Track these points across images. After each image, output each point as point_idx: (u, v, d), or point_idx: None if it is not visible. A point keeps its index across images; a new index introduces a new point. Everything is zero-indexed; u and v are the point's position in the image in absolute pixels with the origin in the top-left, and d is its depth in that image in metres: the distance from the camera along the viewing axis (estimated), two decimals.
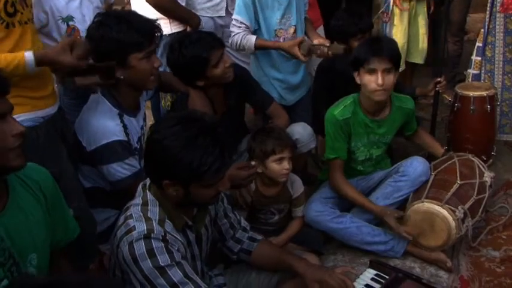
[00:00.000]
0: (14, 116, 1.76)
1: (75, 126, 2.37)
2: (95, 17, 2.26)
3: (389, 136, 2.93)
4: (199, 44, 2.59)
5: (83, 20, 2.66)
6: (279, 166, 2.58)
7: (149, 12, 2.94)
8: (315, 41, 3.13)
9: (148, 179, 1.91)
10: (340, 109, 2.79)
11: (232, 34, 3.06)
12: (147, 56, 2.25)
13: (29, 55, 1.97)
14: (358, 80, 2.72)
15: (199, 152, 1.70)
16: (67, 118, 2.43)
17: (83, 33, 2.58)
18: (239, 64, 3.07)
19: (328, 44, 3.08)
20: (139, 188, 1.91)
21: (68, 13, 2.64)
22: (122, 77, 2.24)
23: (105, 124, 2.26)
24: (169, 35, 3.10)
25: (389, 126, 2.88)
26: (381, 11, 3.83)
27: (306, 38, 3.10)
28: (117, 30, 2.18)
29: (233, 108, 2.84)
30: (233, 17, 3.09)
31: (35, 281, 1.15)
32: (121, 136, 2.28)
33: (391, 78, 2.64)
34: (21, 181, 1.65)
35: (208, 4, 3.30)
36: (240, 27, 3.04)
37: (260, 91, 2.98)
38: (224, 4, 3.33)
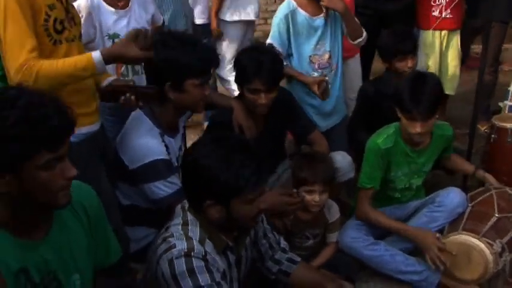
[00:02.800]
0: None
1: (117, 144, 2.39)
2: (154, 35, 2.27)
3: (430, 165, 2.91)
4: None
5: None
6: (309, 197, 2.59)
7: None
8: None
9: (187, 200, 1.91)
10: (383, 138, 2.76)
11: None
12: (203, 83, 2.27)
13: (96, 54, 2.01)
14: (398, 115, 2.70)
15: (235, 166, 1.72)
16: (107, 136, 2.46)
17: None
18: (285, 88, 3.07)
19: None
20: (179, 208, 1.92)
21: (114, 30, 2.69)
22: (173, 98, 2.26)
23: (148, 143, 2.27)
24: None
25: (429, 155, 2.86)
26: None
27: (326, 78, 3.09)
28: (181, 52, 2.20)
29: (272, 129, 2.83)
30: (267, 41, 3.12)
31: None
32: (163, 155, 2.29)
33: (430, 124, 2.64)
34: None
35: None
36: None
37: (304, 117, 2.98)
38: None
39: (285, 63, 2.99)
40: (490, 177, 3.02)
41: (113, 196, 2.35)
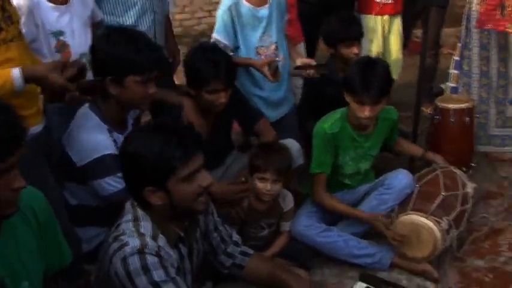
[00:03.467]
0: None
1: (64, 141, 2.34)
2: (101, 30, 2.22)
3: (376, 149, 2.97)
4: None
5: (73, 36, 2.61)
6: (261, 184, 2.60)
7: None
8: (298, 62, 3.15)
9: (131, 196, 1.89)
10: (329, 123, 2.80)
11: None
12: (145, 81, 2.23)
13: (15, 72, 1.93)
14: (347, 99, 2.74)
15: (158, 144, 1.71)
16: (52, 137, 2.39)
17: (72, 49, 2.57)
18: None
19: (313, 64, 3.10)
20: (128, 205, 1.88)
21: (58, 27, 2.59)
22: (114, 93, 2.22)
23: (96, 138, 2.24)
24: None
25: (375, 139, 2.92)
26: None
27: (279, 58, 3.09)
28: (123, 48, 2.16)
29: (221, 124, 2.84)
30: (212, 35, 3.08)
31: None
32: (112, 150, 2.26)
33: (379, 108, 2.69)
34: None
35: None
36: (218, 45, 3.02)
37: (250, 107, 2.98)
38: None
39: (232, 54, 2.99)
40: (438, 158, 3.11)
41: (61, 197, 2.29)
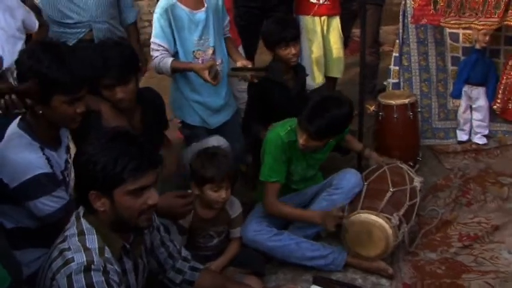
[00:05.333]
0: None
1: None
2: (31, 43, 2.09)
3: (325, 158, 2.98)
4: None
5: None
6: (216, 194, 2.53)
7: None
8: (238, 63, 3.09)
9: (81, 208, 1.82)
10: (286, 131, 2.74)
11: (153, 58, 2.98)
12: (72, 101, 2.11)
13: None
14: None
15: (114, 152, 1.69)
16: None
17: None
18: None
19: (249, 66, 3.06)
20: (73, 218, 1.82)
21: None
22: (40, 112, 2.10)
23: (27, 157, 2.11)
24: None
25: (325, 151, 2.91)
26: None
27: (217, 62, 3.02)
28: (46, 66, 2.03)
29: (151, 127, 2.73)
30: (151, 40, 3.00)
31: None
32: (46, 168, 2.14)
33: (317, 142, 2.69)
34: None
35: None
36: (158, 50, 2.96)
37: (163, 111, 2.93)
38: None
39: (171, 59, 2.94)
40: (373, 155, 3.14)
41: None
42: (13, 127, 2.20)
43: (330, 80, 4.20)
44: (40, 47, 2.10)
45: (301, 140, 2.62)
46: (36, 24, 2.76)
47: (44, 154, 2.18)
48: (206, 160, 2.51)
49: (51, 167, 2.19)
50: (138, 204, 1.74)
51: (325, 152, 2.93)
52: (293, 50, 3.19)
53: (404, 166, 3.00)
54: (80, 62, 2.14)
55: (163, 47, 2.95)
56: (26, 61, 2.05)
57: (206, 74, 2.83)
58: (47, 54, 2.06)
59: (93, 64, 2.43)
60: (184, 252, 2.19)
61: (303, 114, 2.58)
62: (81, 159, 1.72)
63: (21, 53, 2.12)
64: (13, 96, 2.04)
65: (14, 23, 2.61)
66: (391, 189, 2.77)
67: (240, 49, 3.67)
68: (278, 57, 3.23)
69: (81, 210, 1.82)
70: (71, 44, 3.05)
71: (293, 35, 3.22)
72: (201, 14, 3.03)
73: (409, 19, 3.69)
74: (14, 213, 2.22)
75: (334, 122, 2.59)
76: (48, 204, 2.15)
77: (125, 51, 2.53)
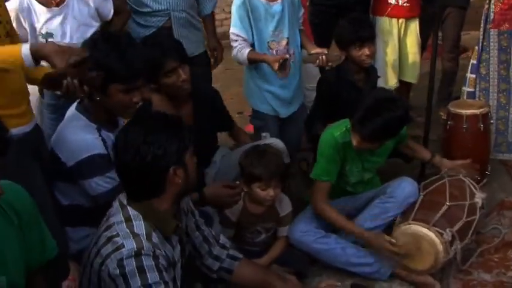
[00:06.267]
0: None
1: (52, 143, 2.33)
2: (94, 33, 2.25)
3: (382, 161, 2.90)
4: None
5: (64, 37, 2.64)
6: (264, 192, 2.54)
7: None
8: (312, 51, 3.15)
9: (122, 195, 1.90)
10: (341, 131, 2.69)
11: (233, 48, 3.10)
12: (128, 90, 2.20)
13: (25, 47, 1.95)
14: None
15: (172, 129, 1.85)
16: (43, 136, 2.40)
17: None
18: (212, 87, 3.12)
19: (326, 52, 3.09)
20: (116, 205, 1.89)
21: (48, 29, 2.63)
22: (98, 99, 2.21)
23: (84, 138, 2.22)
24: None
25: (382, 154, 2.83)
26: None
27: (290, 52, 3.08)
28: (105, 56, 2.13)
29: (201, 125, 2.77)
30: (230, 30, 3.13)
31: None
32: (101, 149, 2.24)
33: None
34: None
35: None
36: (236, 40, 3.09)
37: (224, 108, 3.02)
38: None
39: (248, 49, 3.05)
40: (446, 163, 3.00)
41: (47, 197, 2.27)
42: (72, 109, 2.32)
43: (404, 85, 4.09)
44: (101, 37, 2.21)
45: (354, 142, 2.57)
46: (111, 12, 2.85)
47: (100, 135, 2.28)
48: (255, 158, 2.53)
49: (107, 148, 2.28)
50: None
51: (382, 156, 2.85)
52: (367, 51, 3.10)
53: (467, 180, 2.85)
54: (139, 53, 2.22)
55: (241, 37, 3.08)
56: (88, 50, 2.14)
57: (276, 65, 2.91)
58: (106, 44, 2.16)
59: (152, 54, 2.52)
60: (223, 240, 2.22)
61: (356, 116, 2.53)
62: (148, 148, 1.77)
63: (84, 42, 2.23)
64: (75, 81, 2.15)
65: (87, 11, 2.73)
66: (447, 203, 2.66)
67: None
68: (351, 58, 3.16)
69: (123, 198, 1.89)
70: (150, 33, 3.19)
71: (368, 35, 3.14)
72: (277, 6, 3.13)
73: (490, 24, 3.50)
74: (70, 191, 2.35)
75: (387, 125, 2.51)
76: (101, 184, 2.25)
77: (171, 36, 2.72)
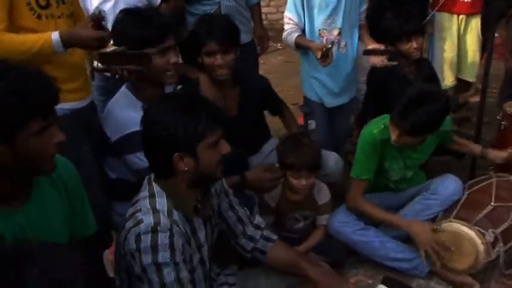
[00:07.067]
0: None
1: (102, 118, 2.46)
2: (118, 13, 2.35)
3: (425, 158, 2.85)
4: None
5: None
6: (296, 181, 2.58)
7: None
8: (369, 47, 3.15)
9: (152, 173, 1.94)
10: (380, 128, 2.65)
11: (284, 30, 3.18)
12: (161, 51, 2.29)
13: (55, 35, 2.05)
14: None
15: (188, 111, 1.80)
16: (97, 112, 2.52)
17: None
18: (263, 76, 3.12)
19: (382, 49, 3.09)
20: (145, 182, 1.95)
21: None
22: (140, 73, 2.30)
23: (128, 115, 2.31)
24: None
25: (424, 151, 2.78)
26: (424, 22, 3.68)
27: (330, 45, 3.04)
28: (131, 26, 2.27)
29: (247, 112, 2.82)
30: (284, 13, 3.21)
31: None
32: None
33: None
34: None
35: None
36: (288, 23, 3.15)
37: (276, 96, 3.03)
38: None
39: (297, 34, 3.10)
40: (499, 154, 2.89)
41: (94, 171, 2.38)
42: (123, 88, 2.44)
43: (462, 83, 4.00)
44: (123, 13, 2.36)
45: (393, 136, 2.54)
46: None
47: None
48: (289, 147, 2.57)
49: None
50: (217, 155, 1.86)
51: (424, 153, 2.80)
52: (415, 44, 3.05)
53: None
54: (161, 14, 2.36)
55: (293, 21, 3.13)
56: (118, 28, 2.30)
57: (319, 54, 2.92)
58: (129, 16, 2.30)
59: (197, 30, 2.63)
60: (258, 220, 2.24)
61: (397, 109, 2.50)
62: (157, 127, 1.79)
63: (114, 21, 2.35)
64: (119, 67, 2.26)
65: None
66: (492, 203, 2.59)
67: None
68: (399, 51, 3.12)
69: (152, 175, 1.94)
70: None
71: (414, 28, 3.07)
72: None
73: None
74: (117, 166, 2.46)
75: (428, 118, 2.44)
76: (141, 159, 2.27)
77: (230, 23, 2.69)
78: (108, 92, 2.61)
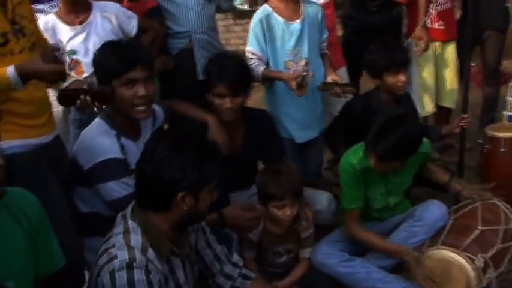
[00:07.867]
0: (3, 142, 1.77)
1: (74, 147, 2.38)
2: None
3: (407, 183, 2.78)
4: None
5: (86, 54, 2.71)
6: (280, 212, 2.49)
7: None
8: (329, 78, 3.05)
9: (128, 209, 1.86)
10: (358, 157, 2.60)
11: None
12: (127, 83, 2.23)
13: (10, 69, 1.97)
14: None
15: (204, 156, 1.78)
16: (64, 147, 2.43)
17: (85, 66, 2.70)
18: (268, 112, 3.05)
19: (340, 82, 3.00)
20: (119, 217, 1.87)
21: (72, 47, 2.73)
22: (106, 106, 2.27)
23: (101, 142, 2.26)
24: None
25: (405, 174, 2.72)
26: None
27: (305, 73, 2.97)
28: (101, 56, 2.25)
29: (250, 148, 2.77)
30: (246, 48, 3.10)
31: None
32: (118, 154, 2.26)
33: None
34: (6, 207, 1.64)
35: None
36: (252, 58, 3.04)
37: (278, 142, 2.93)
38: None
39: (263, 67, 3.00)
40: (461, 186, 2.82)
41: (64, 206, 2.28)
42: (97, 118, 2.38)
43: (442, 110, 3.98)
44: (101, 46, 2.33)
45: (371, 163, 2.48)
46: (134, 29, 2.89)
47: (119, 141, 2.31)
48: (269, 177, 2.50)
49: (124, 154, 2.30)
50: (212, 198, 1.85)
51: (406, 176, 2.73)
52: (402, 77, 2.94)
53: (501, 204, 2.69)
54: (133, 46, 2.32)
55: (256, 55, 3.03)
56: (95, 58, 2.31)
57: (293, 83, 2.83)
58: (102, 47, 2.29)
59: (208, 70, 2.62)
60: (236, 258, 2.18)
61: (368, 137, 2.44)
62: (168, 166, 1.74)
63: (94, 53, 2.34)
64: (87, 97, 2.18)
65: (110, 28, 2.80)
66: (479, 227, 2.51)
67: (343, 70, 3.61)
68: (385, 85, 3.00)
69: (128, 211, 1.86)
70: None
71: (404, 59, 3.00)
72: (296, 25, 3.07)
73: None
74: (89, 197, 2.37)
75: (399, 142, 2.39)
76: (115, 189, 2.25)
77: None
78: (84, 124, 2.55)
